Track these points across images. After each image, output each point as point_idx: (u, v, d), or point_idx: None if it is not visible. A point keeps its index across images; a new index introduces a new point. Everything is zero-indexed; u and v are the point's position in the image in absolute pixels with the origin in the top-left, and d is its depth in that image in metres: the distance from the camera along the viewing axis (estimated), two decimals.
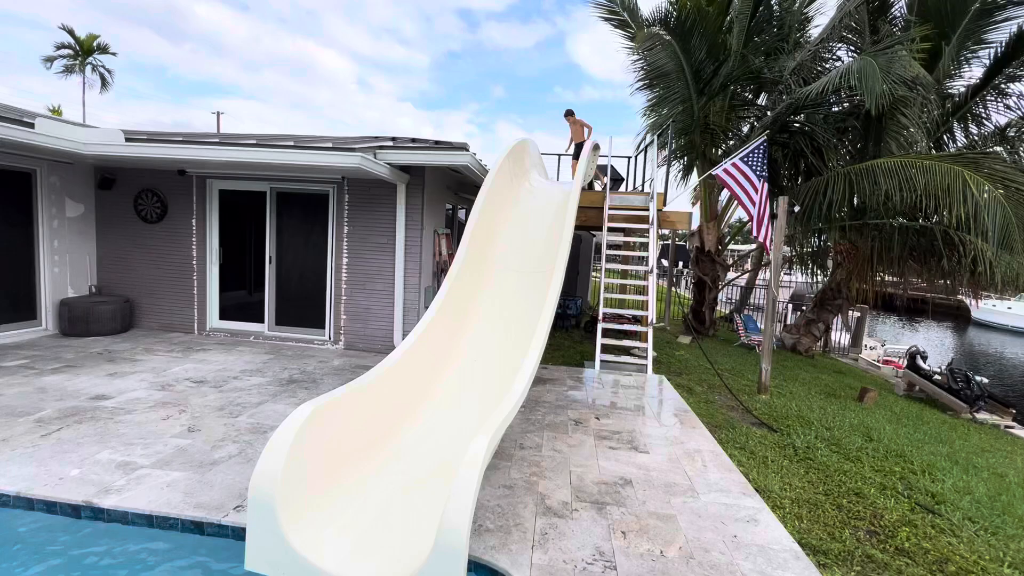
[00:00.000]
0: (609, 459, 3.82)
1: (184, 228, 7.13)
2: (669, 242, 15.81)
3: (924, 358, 9.68)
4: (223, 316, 7.35)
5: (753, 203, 7.50)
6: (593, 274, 14.98)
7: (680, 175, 11.11)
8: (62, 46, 26.71)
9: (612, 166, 9.32)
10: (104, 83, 27.61)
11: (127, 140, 5.69)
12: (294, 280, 7.15)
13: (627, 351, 7.14)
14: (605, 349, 6.81)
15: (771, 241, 6.84)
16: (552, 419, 4.62)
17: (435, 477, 3.16)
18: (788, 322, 13.45)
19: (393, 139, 6.47)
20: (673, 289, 14.68)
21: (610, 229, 7.78)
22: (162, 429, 3.90)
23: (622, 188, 10.09)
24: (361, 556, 2.50)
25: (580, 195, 6.43)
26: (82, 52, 26.93)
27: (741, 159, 7.63)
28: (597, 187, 9.54)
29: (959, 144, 10.00)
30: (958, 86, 9.83)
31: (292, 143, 5.74)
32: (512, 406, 2.95)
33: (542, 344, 3.74)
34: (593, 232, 12.38)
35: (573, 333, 9.93)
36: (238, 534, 2.72)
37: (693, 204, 12.00)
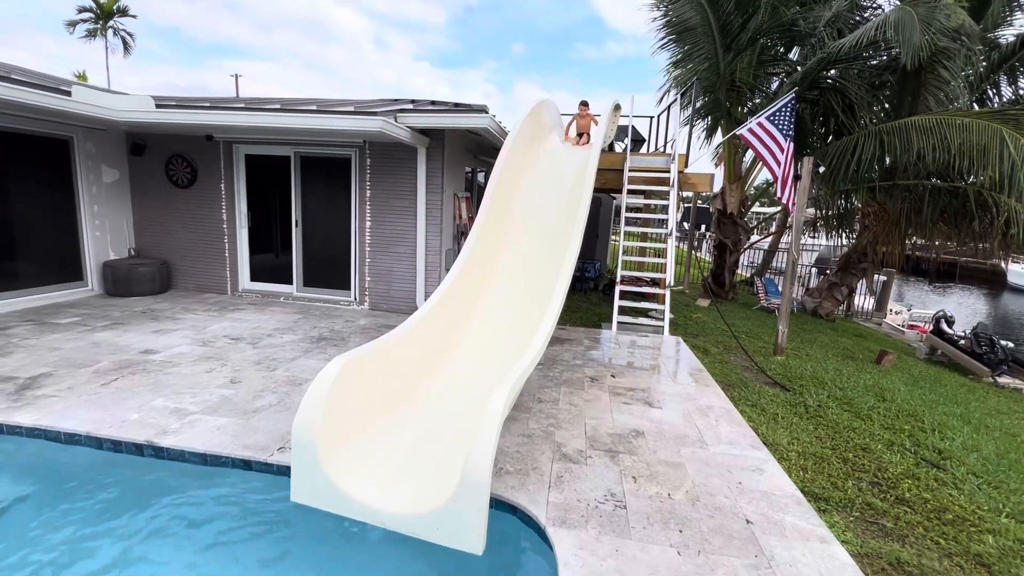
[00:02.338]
0: (623, 413, 4.01)
1: (214, 193, 7.38)
2: (690, 205, 15.56)
3: (951, 323, 9.53)
4: (254, 277, 7.68)
5: (778, 163, 7.35)
6: (612, 238, 14.95)
7: (704, 135, 10.82)
8: (84, 10, 26.81)
9: (633, 127, 9.15)
10: (126, 47, 27.77)
11: (157, 106, 5.86)
12: (320, 243, 7.39)
13: (644, 313, 7.25)
14: (622, 311, 6.93)
15: (794, 203, 6.74)
16: (569, 376, 4.81)
17: (458, 426, 3.39)
18: (810, 285, 13.28)
19: (413, 102, 6.49)
20: (693, 253, 14.56)
21: (630, 191, 7.75)
22: (207, 381, 4.23)
23: (643, 149, 9.92)
24: (392, 492, 2.76)
25: (600, 157, 6.40)
26: (103, 15, 27.01)
27: (767, 118, 7.44)
28: (618, 149, 9.41)
29: (1005, 99, 9.47)
30: (1007, 35, 9.22)
31: (315, 107, 5.83)
32: (531, 360, 3.13)
33: (560, 304, 3.88)
34: (613, 194, 12.26)
35: (591, 296, 10.05)
36: (282, 471, 3.01)
37: (716, 165, 11.74)
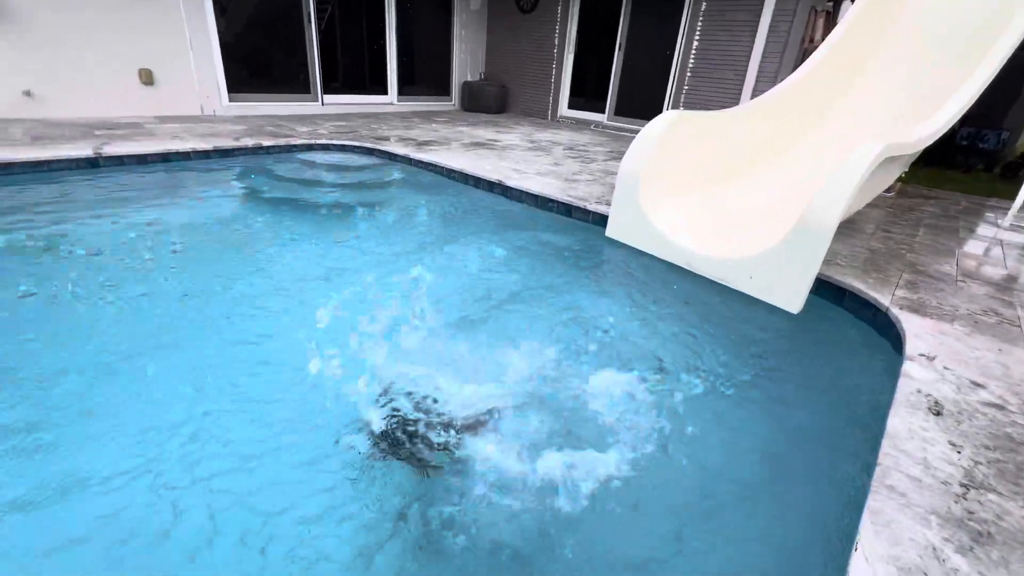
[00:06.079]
0: None
1: (550, 17, 7.80)
2: None
3: None
4: (571, 105, 8.17)
5: None
6: None
7: None
8: None
9: None
10: None
11: None
12: (637, 69, 7.19)
13: None
14: None
15: None
16: (934, 222, 3.69)
17: (792, 203, 2.98)
18: None
19: None
20: None
21: None
22: (535, 159, 4.86)
23: None
24: (708, 241, 2.68)
25: None
26: None
27: None
28: None
29: None
30: None
31: None
32: (920, 137, 2.43)
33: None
34: None
35: (979, 175, 7.25)
36: (596, 219, 3.31)
37: None
